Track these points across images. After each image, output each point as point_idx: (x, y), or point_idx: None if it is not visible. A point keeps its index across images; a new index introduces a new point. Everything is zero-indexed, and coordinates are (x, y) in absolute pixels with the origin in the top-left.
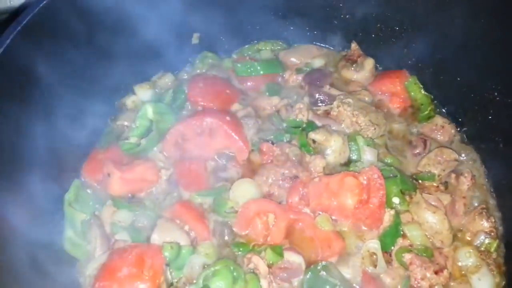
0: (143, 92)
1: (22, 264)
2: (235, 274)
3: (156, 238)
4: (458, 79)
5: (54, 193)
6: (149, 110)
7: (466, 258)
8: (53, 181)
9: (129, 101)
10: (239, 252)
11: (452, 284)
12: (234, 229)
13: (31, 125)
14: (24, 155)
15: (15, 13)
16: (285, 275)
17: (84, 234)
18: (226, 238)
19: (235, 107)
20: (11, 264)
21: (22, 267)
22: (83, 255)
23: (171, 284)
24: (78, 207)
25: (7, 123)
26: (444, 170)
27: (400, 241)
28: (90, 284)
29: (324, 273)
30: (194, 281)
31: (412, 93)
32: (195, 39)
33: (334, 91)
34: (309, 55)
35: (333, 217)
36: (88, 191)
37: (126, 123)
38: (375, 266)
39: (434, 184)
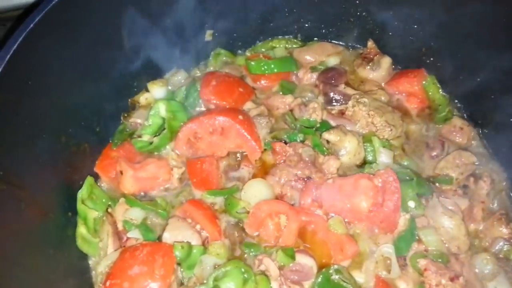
0: (156, 89)
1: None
2: (245, 275)
3: (168, 237)
4: (478, 79)
5: (67, 190)
6: (162, 108)
7: (483, 265)
8: (67, 178)
9: (142, 98)
10: (250, 253)
11: None
12: (245, 229)
13: (45, 121)
14: (37, 151)
15: (29, 9)
16: (296, 277)
17: (96, 231)
18: (237, 238)
19: (248, 105)
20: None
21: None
22: (94, 252)
23: (182, 283)
24: (91, 204)
25: (21, 120)
26: (462, 174)
27: (415, 246)
28: (102, 281)
29: (336, 276)
30: (205, 281)
31: (430, 93)
32: (208, 36)
33: (349, 90)
34: (324, 53)
35: (346, 220)
36: (101, 188)
37: (139, 121)
38: (389, 271)
39: (452, 188)
